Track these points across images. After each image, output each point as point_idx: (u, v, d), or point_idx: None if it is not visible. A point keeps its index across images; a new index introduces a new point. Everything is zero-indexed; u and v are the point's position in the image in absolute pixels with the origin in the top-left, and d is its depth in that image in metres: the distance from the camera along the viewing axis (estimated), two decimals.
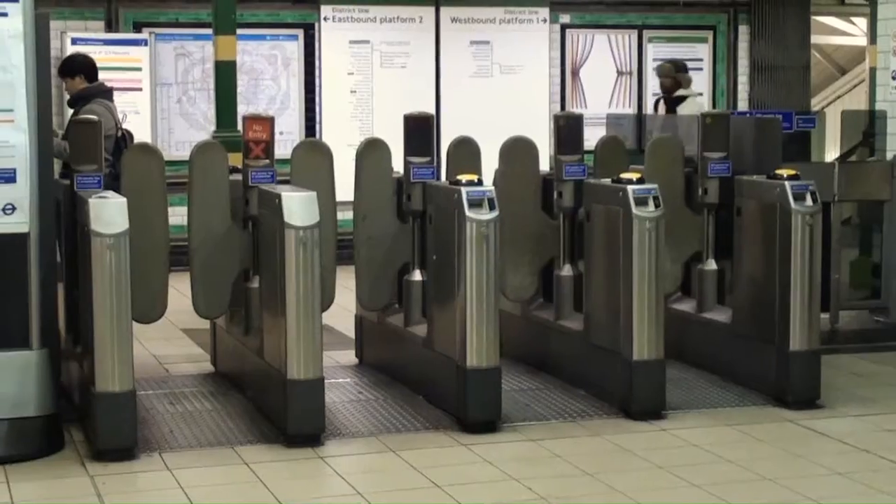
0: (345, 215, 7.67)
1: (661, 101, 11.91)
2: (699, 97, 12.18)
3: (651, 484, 5.97)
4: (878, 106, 10.15)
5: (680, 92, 11.88)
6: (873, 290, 9.63)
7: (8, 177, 6.31)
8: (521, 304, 8.14)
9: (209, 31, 10.98)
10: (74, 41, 12.13)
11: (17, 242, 6.41)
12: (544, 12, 13.91)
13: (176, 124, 12.94)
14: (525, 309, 8.15)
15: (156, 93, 12.78)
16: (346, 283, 7.87)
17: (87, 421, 6.56)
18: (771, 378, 7.37)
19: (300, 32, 13.35)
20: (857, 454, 6.46)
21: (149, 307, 7.09)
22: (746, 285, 7.66)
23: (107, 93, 9.20)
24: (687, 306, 8.23)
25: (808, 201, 7.23)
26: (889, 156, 9.63)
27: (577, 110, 12.79)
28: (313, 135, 13.07)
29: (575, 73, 14.22)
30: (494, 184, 7.46)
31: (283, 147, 8.75)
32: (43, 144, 6.47)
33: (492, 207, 6.76)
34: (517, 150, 7.96)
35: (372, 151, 7.66)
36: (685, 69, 12.06)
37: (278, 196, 6.53)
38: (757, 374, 7.50)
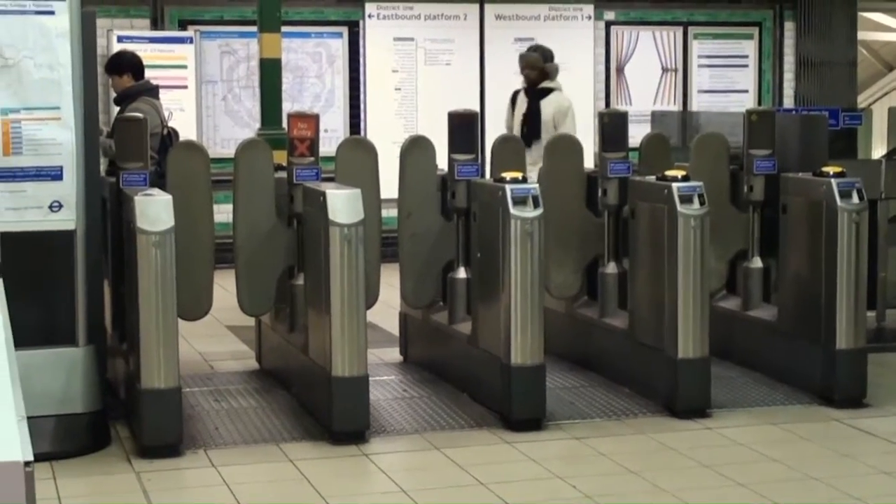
0: (389, 213, 7.70)
1: (522, 94, 10.44)
2: (563, 91, 10.38)
3: (696, 482, 5.95)
4: None
5: (545, 84, 10.39)
6: None
7: (55, 174, 6.35)
8: (565, 302, 8.14)
9: (254, 28, 11.03)
10: (120, 39, 12.21)
11: (64, 239, 6.44)
12: (589, 9, 13.89)
13: (221, 122, 13.00)
14: (569, 306, 8.15)
15: (201, 90, 12.84)
16: (390, 281, 7.91)
17: (133, 417, 6.60)
18: (817, 376, 7.34)
19: (345, 30, 13.38)
20: None
21: (194, 304, 7.13)
22: (792, 283, 7.63)
23: (153, 90, 9.25)
24: (732, 304, 8.20)
25: (855, 199, 7.18)
26: None
27: (621, 107, 12.77)
28: (358, 132, 13.10)
29: (620, 70, 14.19)
30: (539, 181, 7.45)
31: (328, 144, 8.79)
32: (89, 142, 6.51)
33: (536, 205, 6.75)
34: (561, 147, 7.97)
35: (416, 149, 7.67)
36: (552, 58, 10.50)
37: (323, 194, 6.55)
38: (803, 373, 7.47)
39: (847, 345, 7.20)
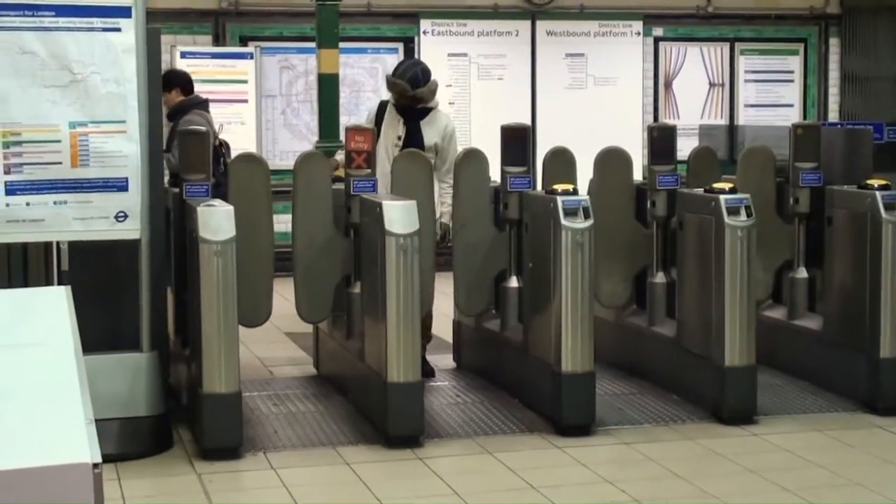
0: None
1: (392, 109, 8.34)
2: (442, 110, 8.55)
3: (743, 488, 6.01)
4: None
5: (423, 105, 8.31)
6: None
7: (120, 185, 6.47)
8: (614, 311, 8.22)
9: (312, 44, 11.15)
10: (184, 55, 12.36)
11: (129, 248, 6.58)
12: (638, 26, 13.95)
13: (280, 135, 13.13)
14: (619, 315, 8.24)
15: (261, 104, 12.94)
16: (444, 290, 8.00)
17: (195, 421, 6.70)
18: (861, 385, 7.39)
19: (400, 46, 13.50)
20: None
21: (254, 311, 7.23)
22: (837, 293, 7.68)
23: (203, 104, 9.35)
24: (778, 314, 8.25)
25: None
26: None
27: (670, 121, 12.77)
28: None
29: (668, 85, 14.23)
30: (589, 193, 7.54)
31: None
32: (154, 154, 6.65)
33: (587, 216, 6.87)
34: (611, 160, 8.04)
35: (470, 161, 7.76)
36: (427, 77, 8.38)
37: (379, 205, 6.66)
38: (847, 381, 7.52)
39: (891, 353, 7.26)
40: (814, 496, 5.86)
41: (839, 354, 7.61)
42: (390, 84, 8.30)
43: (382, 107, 8.37)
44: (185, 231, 6.84)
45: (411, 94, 8.17)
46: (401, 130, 8.18)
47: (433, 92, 8.34)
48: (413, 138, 8.13)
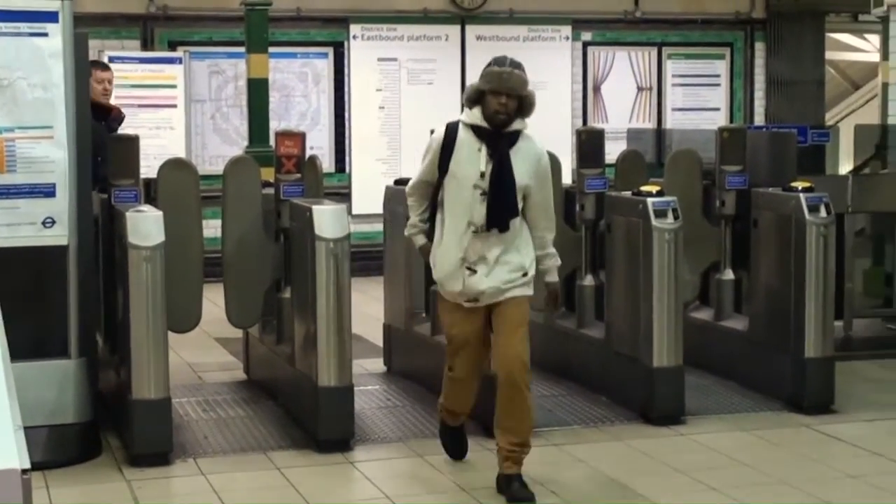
0: (373, 227, 7.81)
1: (470, 133, 5.78)
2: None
3: (671, 487, 6.06)
4: (891, 120, 10.28)
5: (517, 125, 5.90)
6: (886, 299, 9.74)
7: (48, 191, 6.42)
8: (543, 313, 8.24)
9: (242, 49, 11.15)
10: (111, 59, 12.25)
11: (57, 254, 6.52)
12: (567, 30, 14.04)
13: (209, 140, 13.09)
14: (548, 317, 8.25)
15: (190, 109, 12.91)
16: (375, 294, 8.00)
17: (124, 427, 6.67)
18: (787, 384, 7.48)
19: (330, 50, 13.52)
20: (870, 458, 6.58)
21: (184, 317, 7.19)
22: (763, 294, 7.77)
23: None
24: (705, 315, 8.35)
25: (823, 213, 7.35)
26: None
27: (598, 125, 12.86)
28: (343, 150, 13.19)
29: (596, 89, 14.32)
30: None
31: None
32: (82, 160, 6.59)
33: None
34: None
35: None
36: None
37: (309, 209, 6.67)
38: (773, 381, 7.61)
39: (815, 353, 7.38)
40: (741, 495, 5.93)
41: (765, 355, 7.71)
42: (489, 76, 5.66)
43: (451, 134, 5.80)
44: (115, 237, 6.80)
45: (524, 93, 5.70)
46: (484, 164, 5.68)
47: (532, 104, 5.81)
48: (502, 175, 5.68)
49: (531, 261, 5.90)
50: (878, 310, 9.79)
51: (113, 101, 9.24)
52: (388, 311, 8.46)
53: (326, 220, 6.63)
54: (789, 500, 5.91)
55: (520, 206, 5.79)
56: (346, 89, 13.54)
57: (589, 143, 8.10)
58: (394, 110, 13.61)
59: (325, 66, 13.50)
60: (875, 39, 16.69)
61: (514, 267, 5.82)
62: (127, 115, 9.25)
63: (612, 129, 11.40)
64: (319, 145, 13.00)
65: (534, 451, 6.55)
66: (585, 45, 14.23)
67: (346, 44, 13.53)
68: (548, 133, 12.40)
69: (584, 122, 14.01)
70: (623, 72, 14.42)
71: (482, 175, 5.71)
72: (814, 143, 9.47)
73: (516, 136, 5.80)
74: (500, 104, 5.69)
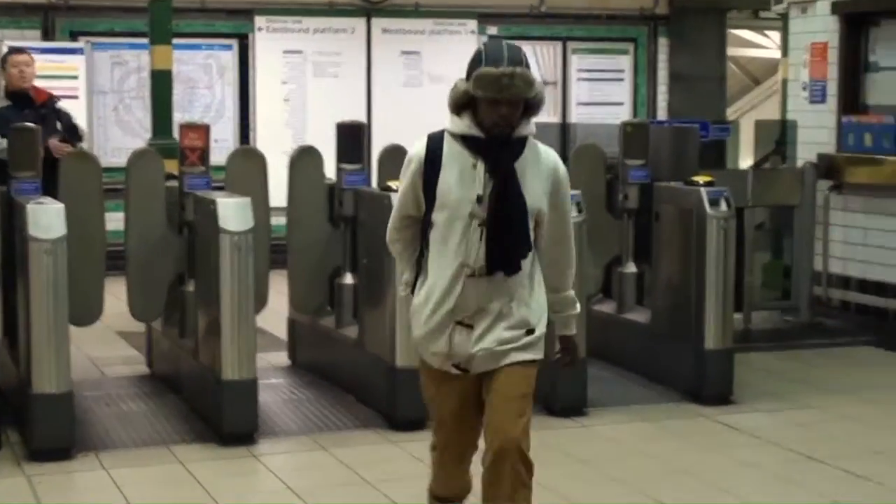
0: (278, 221, 7.78)
1: (459, 145, 4.37)
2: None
3: (575, 478, 6.12)
4: (790, 115, 10.44)
5: (523, 131, 4.61)
6: (784, 291, 9.92)
7: None
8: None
9: (145, 40, 11.04)
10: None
11: None
12: (472, 24, 14.08)
13: (112, 132, 12.96)
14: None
15: (92, 100, 12.78)
16: (279, 288, 7.99)
17: (24, 422, 6.59)
18: (687, 375, 7.58)
19: (235, 42, 13.45)
20: (767, 447, 6.70)
21: (85, 310, 7.15)
22: (664, 287, 7.87)
23: None
24: (608, 307, 8.42)
25: (723, 206, 7.45)
26: (799, 163, 9.92)
27: None
28: (247, 142, 13.14)
29: None
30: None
31: (218, 154, 8.85)
32: None
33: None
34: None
35: (305, 159, 7.76)
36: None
37: (213, 202, 6.65)
38: (674, 372, 7.70)
39: (715, 345, 7.48)
40: (643, 484, 6.01)
41: (667, 346, 7.80)
42: (482, 81, 4.25)
43: (435, 147, 4.41)
44: (14, 229, 6.73)
45: (531, 95, 4.27)
46: (482, 185, 4.28)
47: (542, 102, 4.38)
48: (508, 198, 4.28)
49: (542, 314, 4.41)
50: (776, 302, 9.97)
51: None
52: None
53: (231, 212, 6.61)
54: (690, 488, 6.00)
55: (532, 236, 4.35)
56: (251, 81, 13.47)
57: None
58: (299, 103, 13.57)
59: (229, 58, 13.42)
60: (776, 36, 16.95)
61: (514, 322, 4.33)
62: None
63: None
64: (224, 138, 12.91)
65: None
66: (491, 38, 14.26)
67: (250, 36, 13.45)
68: None
69: None
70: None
71: (479, 200, 4.25)
72: (715, 138, 9.61)
73: (522, 144, 4.31)
74: (500, 115, 4.22)
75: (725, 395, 7.53)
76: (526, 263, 4.33)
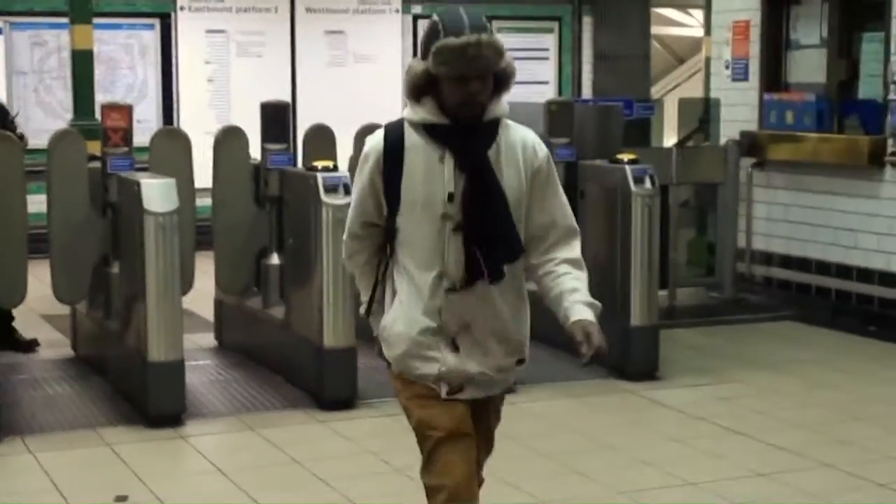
0: (203, 202, 7.76)
1: (418, 133, 3.67)
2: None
3: (502, 454, 6.02)
4: (713, 94, 10.54)
5: (496, 112, 3.97)
6: (709, 268, 10.04)
7: None
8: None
9: (65, 19, 10.94)
10: None
11: None
12: (397, 3, 14.05)
13: (33, 113, 12.83)
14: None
15: (11, 81, 12.65)
16: (205, 269, 7.96)
17: None
18: (613, 352, 7.58)
19: (157, 22, 13.34)
20: (693, 421, 6.79)
21: (8, 293, 7.14)
22: (590, 264, 7.86)
23: None
24: None
25: (648, 184, 7.52)
26: (723, 141, 10.02)
27: None
28: (171, 123, 13.06)
29: None
30: (349, 170, 7.54)
31: (142, 135, 8.79)
32: None
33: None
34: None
35: (230, 139, 7.72)
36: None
37: (137, 183, 6.61)
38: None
39: (640, 322, 7.56)
40: (570, 460, 6.07)
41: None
42: (444, 55, 3.56)
43: (395, 139, 3.72)
44: None
45: (501, 65, 3.63)
46: (452, 181, 3.66)
47: (513, 75, 3.71)
48: (484, 193, 3.67)
49: (528, 332, 3.96)
50: (701, 279, 10.08)
51: None
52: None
53: (155, 193, 6.59)
54: (616, 463, 6.07)
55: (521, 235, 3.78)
56: (173, 61, 13.38)
57: None
58: (223, 83, 13.51)
59: (151, 38, 13.32)
60: (699, 14, 17.07)
61: (512, 347, 3.88)
62: None
63: None
64: (147, 118, 12.83)
65: (366, 422, 6.69)
66: (416, 17, 14.24)
67: (172, 15, 13.36)
68: (378, 106, 12.58)
69: None
70: None
71: (451, 198, 3.65)
72: (639, 116, 9.68)
73: (494, 127, 3.69)
74: (469, 93, 3.59)
75: (651, 371, 7.61)
76: (513, 269, 3.75)
